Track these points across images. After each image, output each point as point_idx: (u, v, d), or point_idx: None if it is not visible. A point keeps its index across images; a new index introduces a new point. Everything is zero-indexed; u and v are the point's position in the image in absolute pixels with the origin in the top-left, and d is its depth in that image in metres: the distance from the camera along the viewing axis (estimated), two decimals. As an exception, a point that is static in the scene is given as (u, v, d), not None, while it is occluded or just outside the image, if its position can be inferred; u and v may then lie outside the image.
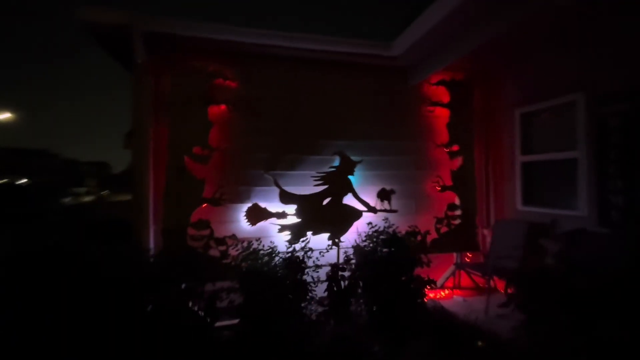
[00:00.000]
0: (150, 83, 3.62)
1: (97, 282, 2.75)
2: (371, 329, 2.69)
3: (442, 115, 4.58)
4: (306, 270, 2.99)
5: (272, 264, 3.13)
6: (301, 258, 3.00)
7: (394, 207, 4.27)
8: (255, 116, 4.00)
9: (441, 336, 2.68)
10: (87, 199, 26.99)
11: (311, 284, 3.09)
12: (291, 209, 4.03)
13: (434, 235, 4.37)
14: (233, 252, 3.54)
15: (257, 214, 3.94)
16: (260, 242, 3.36)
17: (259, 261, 3.12)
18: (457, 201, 4.54)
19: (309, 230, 3.98)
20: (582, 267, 3.07)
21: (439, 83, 4.56)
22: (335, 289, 2.84)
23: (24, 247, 3.13)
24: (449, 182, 4.53)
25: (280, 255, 3.21)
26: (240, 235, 3.79)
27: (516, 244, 3.94)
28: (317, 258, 3.35)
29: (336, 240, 4.05)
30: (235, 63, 3.94)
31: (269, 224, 3.97)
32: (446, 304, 3.94)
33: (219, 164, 3.82)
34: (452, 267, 4.46)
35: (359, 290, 3.10)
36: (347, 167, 4.22)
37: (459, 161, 4.56)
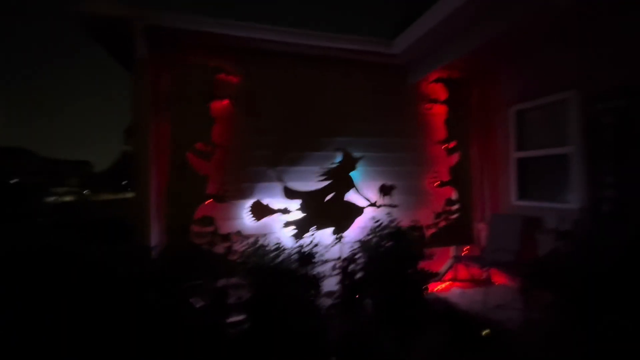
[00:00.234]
0: (151, 79, 3.56)
1: (100, 281, 2.71)
2: (380, 321, 2.75)
3: (439, 112, 4.69)
4: (315, 264, 3.02)
5: (279, 259, 3.15)
6: (311, 253, 3.02)
7: (394, 203, 4.35)
8: (257, 112, 3.98)
9: (450, 326, 2.77)
10: (67, 198, 26.12)
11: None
12: (294, 204, 4.05)
13: (432, 229, 4.48)
14: (238, 248, 3.53)
15: (260, 210, 3.94)
16: (266, 238, 3.37)
17: (267, 257, 3.14)
18: (454, 196, 4.66)
19: (312, 226, 4.00)
20: (579, 258, 3.23)
21: (436, 81, 4.66)
22: (347, 282, 2.89)
23: (23, 247, 3.04)
24: (446, 178, 4.64)
25: (287, 250, 3.24)
26: (244, 232, 3.79)
27: (512, 237, 4.08)
28: (321, 253, 3.39)
29: (339, 235, 4.09)
30: (237, 59, 3.92)
31: (272, 220, 3.98)
32: (446, 295, 4.05)
33: (222, 160, 3.80)
34: (450, 260, 4.58)
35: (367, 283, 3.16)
36: (349, 163, 4.27)
37: (456, 157, 4.68)
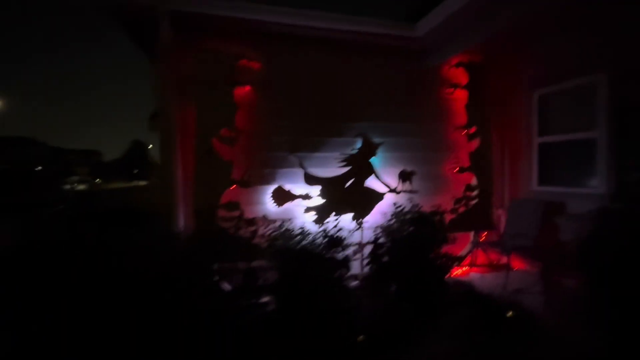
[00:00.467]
0: (175, 64, 3.57)
1: (133, 267, 2.79)
2: (407, 302, 2.81)
3: (460, 97, 4.64)
4: (344, 247, 3.08)
5: (305, 242, 3.21)
6: (340, 236, 3.08)
7: (414, 188, 4.36)
8: (278, 98, 3.99)
9: (474, 308, 2.82)
10: (80, 187, 26.60)
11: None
12: (315, 190, 4.09)
13: (452, 214, 4.50)
14: (264, 232, 3.60)
15: (282, 196, 3.99)
16: (291, 222, 3.43)
17: (293, 240, 3.20)
18: (474, 182, 4.65)
19: (333, 211, 4.05)
20: (604, 242, 3.23)
21: (457, 65, 4.59)
22: (375, 265, 2.94)
23: (53, 236, 3.15)
24: (466, 164, 4.63)
25: (312, 234, 3.29)
26: (267, 217, 3.85)
27: (532, 222, 4.08)
28: (344, 237, 3.43)
29: (360, 220, 4.14)
30: (259, 44, 3.90)
31: (294, 205, 4.03)
32: (466, 279, 4.10)
33: (245, 146, 3.83)
34: (469, 245, 4.61)
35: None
36: (369, 149, 4.27)
37: (476, 143, 4.65)
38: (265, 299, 3.10)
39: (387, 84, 4.40)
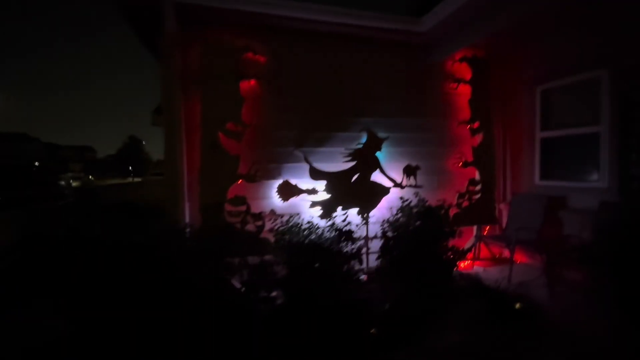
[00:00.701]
0: (180, 57, 3.53)
1: (141, 262, 2.77)
2: (417, 295, 2.83)
3: (464, 92, 4.65)
4: (355, 241, 3.09)
5: (313, 236, 3.21)
6: (350, 230, 3.09)
7: (418, 183, 4.38)
8: (284, 92, 3.97)
9: (482, 300, 2.85)
10: (75, 183, 26.27)
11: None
12: (321, 185, 4.09)
13: (456, 209, 4.53)
14: (271, 227, 3.58)
15: (288, 191, 3.99)
16: (300, 216, 3.43)
17: (301, 234, 3.20)
18: (477, 176, 4.69)
19: (339, 206, 4.06)
20: (608, 235, 3.28)
21: (461, 60, 4.60)
22: (385, 258, 2.96)
23: (61, 231, 3.12)
24: (470, 158, 4.66)
25: (320, 228, 3.29)
26: (270, 211, 3.85)
27: (536, 216, 4.13)
28: (351, 232, 3.44)
29: (365, 215, 4.15)
30: (264, 38, 3.87)
31: (300, 200, 4.03)
32: (470, 272, 4.14)
33: (251, 140, 3.81)
34: (472, 239, 4.66)
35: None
36: (374, 144, 4.28)
37: (479, 137, 4.68)
38: (273, 294, 3.10)
39: (391, 79, 4.40)
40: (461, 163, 4.64)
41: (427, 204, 3.72)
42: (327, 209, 4.05)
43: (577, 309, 3.05)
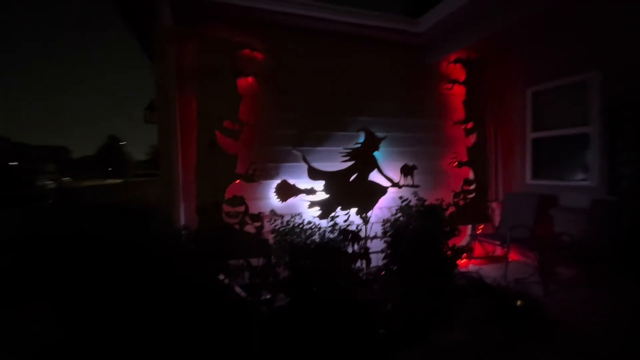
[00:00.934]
0: (175, 52, 3.39)
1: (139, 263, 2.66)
2: (421, 294, 2.82)
3: (458, 93, 4.72)
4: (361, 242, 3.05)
5: (315, 237, 3.16)
6: (357, 230, 3.05)
7: (415, 183, 4.41)
8: (281, 90, 3.90)
9: (487, 298, 2.88)
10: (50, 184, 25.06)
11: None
12: (319, 185, 4.04)
13: (452, 208, 4.57)
14: (270, 227, 3.50)
15: (286, 191, 3.91)
16: (300, 217, 3.37)
17: (303, 234, 3.13)
18: (471, 176, 4.76)
19: (337, 206, 4.02)
20: (600, 233, 3.39)
21: (456, 61, 4.66)
22: (389, 258, 2.94)
23: (45, 231, 2.97)
24: (464, 158, 4.72)
25: (321, 229, 3.24)
26: (268, 212, 3.76)
27: (528, 214, 4.23)
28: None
29: (364, 215, 4.13)
30: (262, 34, 3.79)
31: (298, 200, 3.96)
32: (469, 271, 4.18)
33: (249, 139, 3.72)
34: (467, 238, 4.73)
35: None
36: (372, 143, 4.26)
37: (473, 138, 4.76)
38: (275, 295, 3.03)
39: (389, 78, 4.41)
40: (456, 163, 4.70)
41: (425, 203, 3.75)
42: (326, 209, 4.00)
43: (574, 305, 3.12)
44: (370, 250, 4.03)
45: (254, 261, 3.23)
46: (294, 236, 3.16)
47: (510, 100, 4.84)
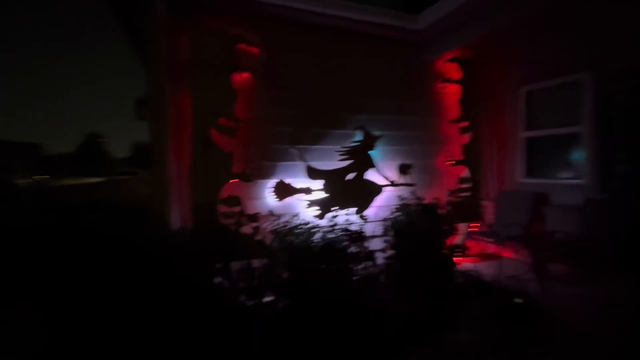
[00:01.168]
0: (168, 45, 3.22)
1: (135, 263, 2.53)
2: (423, 294, 2.80)
3: (454, 91, 4.73)
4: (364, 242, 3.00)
5: (316, 237, 3.09)
6: (361, 231, 2.99)
7: (411, 181, 4.39)
8: (278, 87, 3.79)
9: (487, 296, 2.89)
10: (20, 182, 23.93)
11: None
12: (316, 184, 3.96)
13: (448, 206, 4.58)
14: (267, 228, 3.40)
15: (283, 190, 3.81)
16: (299, 217, 3.28)
17: (303, 235, 3.05)
18: (466, 174, 4.79)
19: (335, 205, 3.95)
20: (593, 230, 3.46)
21: (451, 60, 4.67)
22: (394, 258, 2.90)
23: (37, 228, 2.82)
24: (459, 157, 4.75)
25: (320, 229, 3.17)
26: (265, 212, 3.65)
27: (522, 212, 4.29)
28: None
29: (362, 213, 4.08)
30: (259, 27, 3.66)
31: (295, 200, 3.87)
32: (467, 269, 4.20)
33: (246, 137, 3.59)
34: (462, 236, 4.75)
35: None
36: (369, 142, 4.22)
37: (468, 136, 4.79)
38: (269, 298, 2.94)
39: (386, 76, 4.37)
40: (452, 161, 4.72)
41: (423, 202, 3.74)
42: (324, 208, 3.93)
43: (571, 302, 3.17)
44: (368, 249, 4.01)
45: (252, 263, 3.13)
46: (294, 237, 3.08)
47: (504, 99, 4.89)
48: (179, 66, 3.32)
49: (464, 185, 4.75)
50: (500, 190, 4.95)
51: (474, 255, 4.79)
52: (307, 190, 3.92)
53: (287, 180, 3.85)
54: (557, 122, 4.31)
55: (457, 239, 4.79)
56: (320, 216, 3.87)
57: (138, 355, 2.25)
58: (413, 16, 3.99)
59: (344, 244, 2.73)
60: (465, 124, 4.76)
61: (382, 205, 4.19)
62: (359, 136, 4.21)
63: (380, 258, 3.16)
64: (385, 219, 3.72)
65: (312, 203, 3.91)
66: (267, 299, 2.87)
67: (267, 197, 3.74)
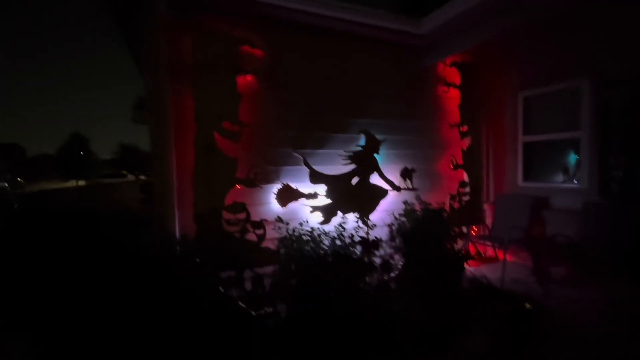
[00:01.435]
0: (169, 46, 3.11)
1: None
2: (435, 300, 2.78)
3: (454, 96, 4.76)
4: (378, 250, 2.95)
5: (324, 245, 3.03)
6: (376, 239, 2.94)
7: (414, 185, 4.39)
8: (281, 90, 3.72)
9: (495, 301, 2.89)
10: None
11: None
12: (321, 189, 3.90)
13: (449, 210, 4.61)
14: (275, 235, 3.32)
15: (287, 195, 3.73)
16: (308, 223, 3.22)
17: (312, 243, 2.99)
18: (466, 178, 4.82)
19: (339, 211, 3.90)
20: (594, 234, 3.52)
21: (452, 64, 4.70)
22: (407, 266, 2.86)
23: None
24: (460, 161, 4.78)
25: (330, 235, 3.12)
26: (270, 218, 3.57)
27: (522, 216, 4.33)
28: (352, 235, 3.31)
29: (365, 219, 4.04)
30: (262, 30, 3.58)
31: (299, 205, 3.80)
32: (472, 274, 4.21)
33: (250, 141, 3.50)
34: (462, 240, 4.77)
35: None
36: (373, 145, 4.19)
37: (468, 141, 4.82)
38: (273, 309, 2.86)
39: (388, 80, 4.35)
40: (452, 165, 4.74)
41: (429, 206, 3.74)
42: (328, 214, 3.87)
43: (577, 307, 3.20)
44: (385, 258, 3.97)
45: (259, 271, 3.04)
46: (302, 244, 3.01)
47: (503, 104, 4.95)
48: (181, 68, 3.21)
49: (465, 189, 4.78)
50: (500, 193, 5.00)
51: (475, 258, 4.81)
52: (312, 195, 3.85)
53: (292, 185, 3.77)
54: (555, 127, 4.38)
55: (460, 244, 4.82)
56: (324, 222, 3.80)
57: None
58: (417, 21, 3.98)
59: (357, 253, 2.67)
60: (465, 128, 4.79)
61: (386, 209, 4.16)
62: (362, 140, 4.17)
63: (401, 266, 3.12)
64: (391, 224, 3.70)
65: (315, 208, 3.84)
66: (271, 308, 2.80)
67: (272, 203, 3.65)
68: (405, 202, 3.75)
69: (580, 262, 3.68)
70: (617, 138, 3.72)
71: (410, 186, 4.37)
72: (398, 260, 3.10)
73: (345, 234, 3.17)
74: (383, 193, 4.21)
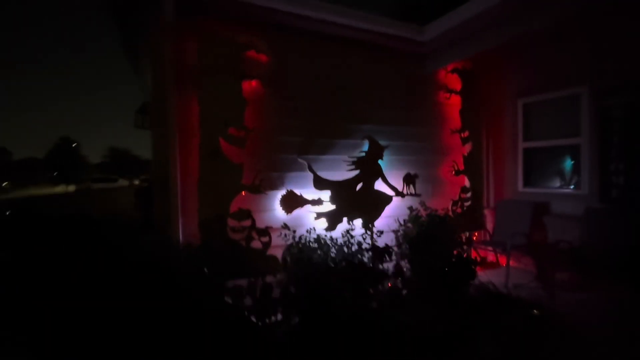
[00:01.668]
0: (174, 51, 3.06)
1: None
2: (446, 307, 2.76)
3: (455, 102, 4.80)
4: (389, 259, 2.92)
5: (331, 253, 3.00)
6: (388, 247, 2.91)
7: (418, 191, 4.39)
8: (286, 95, 3.70)
9: (503, 307, 2.88)
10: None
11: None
12: (326, 195, 3.86)
13: (454, 216, 4.61)
14: (281, 243, 3.27)
15: (292, 202, 3.69)
16: (315, 231, 3.18)
17: (320, 251, 2.96)
18: (467, 184, 4.85)
19: (344, 217, 3.87)
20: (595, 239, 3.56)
21: (453, 71, 4.74)
22: (417, 272, 2.84)
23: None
24: (461, 167, 4.80)
25: (338, 242, 3.09)
26: (275, 225, 3.52)
27: (524, 221, 4.37)
28: (359, 242, 3.28)
29: (370, 225, 4.02)
30: (267, 36, 3.56)
31: (304, 211, 3.76)
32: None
33: (255, 147, 3.46)
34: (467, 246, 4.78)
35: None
36: (377, 152, 4.18)
37: (469, 147, 4.85)
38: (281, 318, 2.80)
39: (392, 86, 4.37)
40: (454, 171, 4.77)
41: (433, 212, 3.74)
42: (333, 220, 3.84)
43: (583, 311, 3.21)
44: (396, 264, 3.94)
45: (265, 280, 2.98)
46: (310, 252, 2.97)
47: (503, 110, 5.00)
48: (186, 72, 3.16)
49: (466, 195, 4.80)
50: (500, 199, 5.04)
51: (479, 264, 4.82)
52: (317, 202, 3.81)
53: (296, 192, 3.74)
54: (555, 133, 4.44)
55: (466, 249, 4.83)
56: (329, 228, 3.77)
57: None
58: (420, 28, 4.02)
59: (367, 260, 2.65)
60: (466, 134, 4.82)
61: (390, 215, 4.14)
62: (365, 146, 4.17)
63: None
64: (397, 230, 3.68)
65: (320, 215, 3.80)
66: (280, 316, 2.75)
67: (277, 209, 3.60)
68: (410, 208, 3.74)
69: (582, 267, 3.72)
70: (617, 144, 3.78)
71: (413, 192, 4.37)
72: (404, 266, 3.08)
73: (352, 240, 3.15)
74: (388, 199, 4.19)
